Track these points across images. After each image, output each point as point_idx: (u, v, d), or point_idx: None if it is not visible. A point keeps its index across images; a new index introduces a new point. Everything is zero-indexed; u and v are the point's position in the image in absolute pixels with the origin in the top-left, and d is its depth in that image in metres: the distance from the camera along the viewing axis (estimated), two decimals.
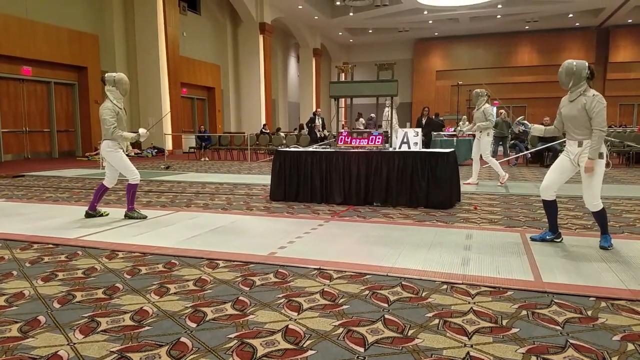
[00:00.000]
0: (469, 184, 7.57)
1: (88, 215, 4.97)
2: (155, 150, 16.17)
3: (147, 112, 16.62)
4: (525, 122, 4.07)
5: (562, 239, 3.90)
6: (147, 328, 2.27)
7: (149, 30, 16.09)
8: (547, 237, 3.89)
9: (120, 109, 4.82)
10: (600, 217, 3.69)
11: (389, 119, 8.56)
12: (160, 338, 2.16)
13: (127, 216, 4.96)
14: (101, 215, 5.05)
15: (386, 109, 8.83)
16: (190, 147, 15.28)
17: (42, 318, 2.39)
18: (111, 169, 4.95)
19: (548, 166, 10.68)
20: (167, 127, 16.48)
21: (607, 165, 3.63)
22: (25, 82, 13.78)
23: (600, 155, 3.55)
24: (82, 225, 4.66)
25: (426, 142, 11.35)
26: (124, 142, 4.87)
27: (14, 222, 4.80)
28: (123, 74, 4.90)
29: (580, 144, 3.62)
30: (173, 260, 3.43)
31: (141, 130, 4.94)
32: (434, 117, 15.51)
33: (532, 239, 3.93)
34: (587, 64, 3.60)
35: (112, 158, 4.84)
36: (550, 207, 3.85)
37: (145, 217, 4.95)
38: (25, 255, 3.58)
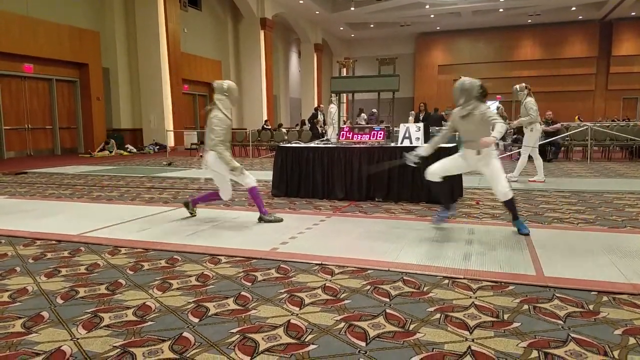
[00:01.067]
0: (534, 181, 7.33)
1: (186, 205, 4.87)
2: (157, 147, 16.19)
3: (148, 109, 16.64)
4: (411, 156, 4.37)
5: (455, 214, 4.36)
6: (149, 323, 2.28)
7: (150, 26, 16.06)
8: (443, 215, 4.27)
9: (230, 119, 4.47)
10: (511, 203, 4.00)
11: (332, 117, 8.60)
12: (162, 333, 2.17)
13: (263, 220, 4.59)
14: (192, 214, 4.88)
15: (332, 106, 8.81)
16: (192, 144, 15.29)
17: (45, 314, 2.41)
18: (221, 179, 4.62)
19: (550, 161, 10.72)
20: (169, 123, 16.49)
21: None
22: (26, 80, 13.79)
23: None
24: (85, 221, 4.67)
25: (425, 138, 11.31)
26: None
27: (17, 219, 4.83)
28: (233, 83, 4.58)
29: (478, 153, 3.95)
30: (175, 256, 3.45)
31: (237, 169, 4.49)
32: (432, 112, 15.50)
33: (434, 223, 4.29)
34: (479, 83, 3.95)
35: (220, 168, 4.49)
36: (441, 187, 4.23)
37: (280, 220, 4.60)
38: (29, 252, 3.60)
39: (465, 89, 3.92)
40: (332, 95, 8.98)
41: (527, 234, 3.93)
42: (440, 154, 4.49)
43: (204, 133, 4.64)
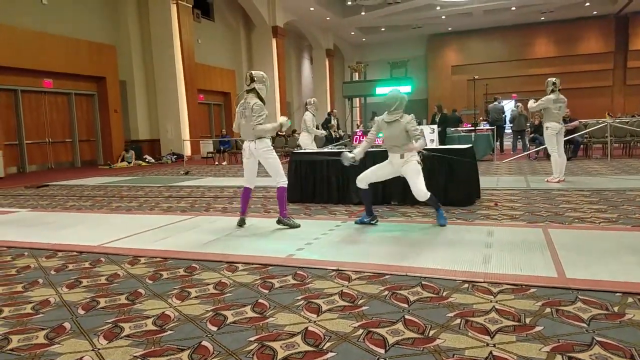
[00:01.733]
0: (549, 181, 7.16)
1: (242, 222, 4.77)
2: (175, 157, 16.39)
3: (165, 119, 16.88)
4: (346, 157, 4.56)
5: (377, 221, 4.62)
6: (169, 332, 2.30)
7: (165, 38, 16.33)
8: (365, 220, 4.61)
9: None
10: (431, 200, 4.40)
11: (307, 125, 8.36)
12: (182, 342, 2.19)
13: (281, 222, 4.64)
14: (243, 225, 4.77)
15: (307, 114, 8.56)
16: (208, 152, 15.44)
17: (67, 324, 2.44)
18: (250, 171, 4.72)
19: (569, 159, 10.52)
20: (186, 133, 16.69)
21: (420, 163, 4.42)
22: (46, 94, 14.14)
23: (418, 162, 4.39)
24: (105, 232, 4.75)
25: (440, 139, 11.16)
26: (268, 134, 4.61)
27: (39, 231, 4.93)
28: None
29: (402, 156, 4.38)
30: (193, 265, 3.47)
31: (282, 119, 4.75)
32: (451, 112, 15.37)
33: (356, 223, 4.64)
34: (407, 98, 4.50)
35: (266, 158, 4.60)
36: (365, 194, 4.61)
37: (298, 226, 4.61)
38: (51, 264, 3.67)
39: (400, 98, 4.39)
40: (307, 103, 8.84)
41: (444, 225, 4.38)
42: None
43: (240, 125, 4.65)
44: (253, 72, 4.67)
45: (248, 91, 4.60)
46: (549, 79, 7.20)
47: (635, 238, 3.70)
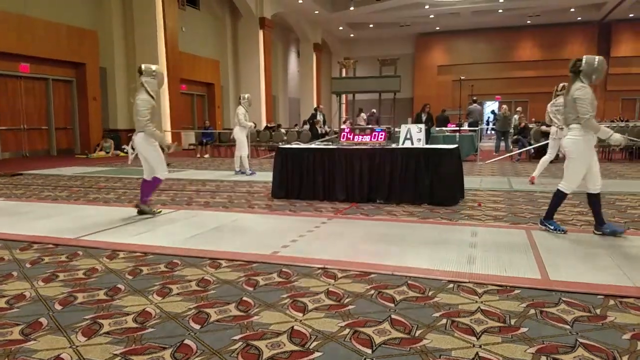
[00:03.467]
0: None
1: (142, 211, 4.90)
2: None
3: None
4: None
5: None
6: (150, 330, 2.24)
7: (148, 25, 15.98)
8: (607, 230, 3.98)
9: (155, 101, 4.75)
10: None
11: (239, 119, 8.61)
12: (164, 340, 2.13)
13: (139, 208, 4.88)
14: (156, 212, 4.96)
15: (239, 107, 8.84)
16: (190, 144, 15.22)
17: (43, 320, 2.36)
18: (147, 162, 4.86)
19: (551, 162, 10.67)
20: (167, 124, 16.41)
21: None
22: (23, 79, 13.70)
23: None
24: (82, 224, 4.62)
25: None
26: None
27: (14, 222, 4.77)
28: (160, 68, 4.85)
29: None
30: (175, 260, 3.40)
31: (170, 144, 4.98)
32: (440, 112, 15.43)
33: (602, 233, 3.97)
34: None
35: (146, 151, 4.76)
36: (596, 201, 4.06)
37: (158, 213, 4.87)
38: (26, 256, 3.54)
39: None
40: (241, 98, 9.02)
41: (618, 234, 3.92)
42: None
43: (132, 116, 4.86)
44: (143, 65, 4.78)
45: (139, 85, 4.72)
46: (559, 85, 7.19)
47: (614, 241, 3.77)
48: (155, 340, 2.12)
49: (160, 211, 5.06)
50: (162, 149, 4.88)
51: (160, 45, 16.16)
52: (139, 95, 4.68)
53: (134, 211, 5.04)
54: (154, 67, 4.80)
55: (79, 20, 14.86)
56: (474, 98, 16.53)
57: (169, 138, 15.89)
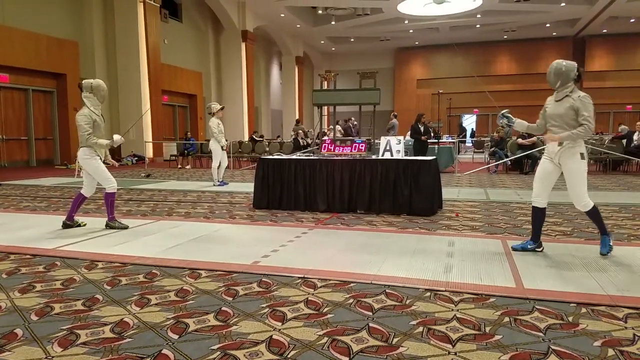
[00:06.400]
0: None
1: (65, 225, 4.84)
2: (136, 158, 15.94)
3: (127, 119, 16.37)
4: (510, 115, 4.13)
5: (542, 249, 3.86)
6: (127, 340, 2.22)
7: (130, 37, 15.92)
8: (529, 247, 3.84)
9: (98, 115, 4.75)
10: (593, 215, 3.72)
11: (213, 132, 8.74)
12: (141, 350, 2.12)
13: (108, 226, 4.86)
14: (79, 225, 4.92)
15: (212, 119, 8.95)
16: (171, 155, 15.11)
17: (19, 331, 2.32)
18: (89, 177, 4.86)
19: (527, 173, 10.94)
20: (148, 134, 16.26)
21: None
22: (2, 90, 13.47)
23: (582, 156, 3.62)
24: (60, 235, 4.55)
25: (423, 149, 11.23)
26: (101, 150, 4.78)
27: None
28: (101, 81, 4.85)
29: (560, 144, 3.65)
30: (154, 271, 3.37)
31: (115, 137, 4.88)
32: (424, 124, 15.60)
33: (514, 249, 3.86)
34: (576, 65, 3.70)
35: (88, 166, 4.76)
36: (537, 215, 3.85)
37: (126, 227, 4.85)
38: (2, 267, 3.48)
39: (561, 72, 3.76)
40: (207, 107, 9.10)
41: (604, 254, 3.70)
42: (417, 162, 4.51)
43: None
44: (83, 81, 4.81)
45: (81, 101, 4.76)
46: None
47: (587, 251, 3.87)
48: (132, 351, 2.11)
49: (85, 224, 4.97)
50: (106, 163, 4.88)
51: (142, 56, 16.10)
52: (80, 111, 4.71)
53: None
54: (92, 82, 4.78)
55: (60, 30, 14.72)
56: (395, 114, 16.75)
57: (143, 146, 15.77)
